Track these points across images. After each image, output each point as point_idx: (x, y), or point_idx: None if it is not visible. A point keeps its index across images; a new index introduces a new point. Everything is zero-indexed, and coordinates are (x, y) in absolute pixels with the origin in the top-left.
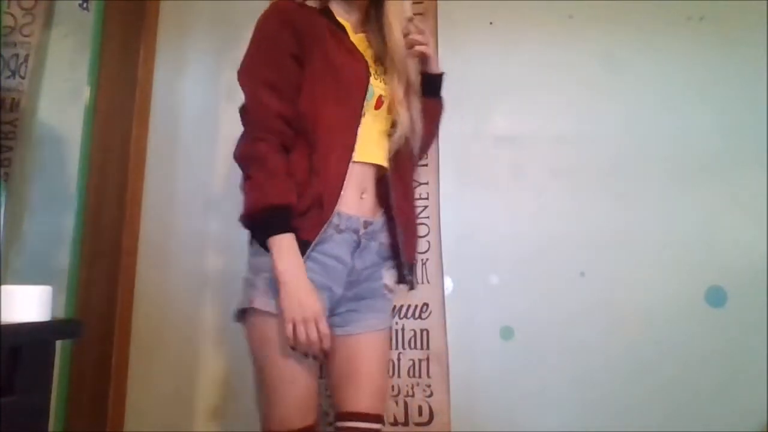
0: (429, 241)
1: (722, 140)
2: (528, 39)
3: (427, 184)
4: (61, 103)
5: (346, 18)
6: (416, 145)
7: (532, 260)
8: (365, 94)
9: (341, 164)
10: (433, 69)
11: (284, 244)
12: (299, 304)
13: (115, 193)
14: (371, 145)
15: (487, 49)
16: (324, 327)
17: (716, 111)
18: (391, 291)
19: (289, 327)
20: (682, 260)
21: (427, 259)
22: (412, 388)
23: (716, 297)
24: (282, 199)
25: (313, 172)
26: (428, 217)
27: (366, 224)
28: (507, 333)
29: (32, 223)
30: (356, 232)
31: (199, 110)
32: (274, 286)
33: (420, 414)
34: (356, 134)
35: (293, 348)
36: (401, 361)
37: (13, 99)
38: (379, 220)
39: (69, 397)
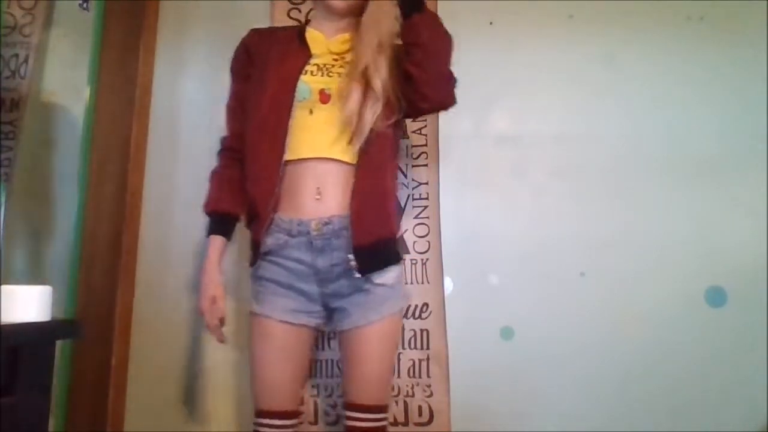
0: (429, 241)
1: (722, 140)
2: (528, 39)
3: (427, 184)
4: (61, 103)
5: (323, 25)
6: (353, 138)
7: (532, 260)
8: (291, 94)
9: (270, 167)
10: None
11: (208, 244)
12: (200, 294)
13: (115, 193)
14: (321, 140)
15: (487, 49)
16: (217, 311)
17: (716, 111)
18: (376, 284)
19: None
20: (682, 260)
21: (427, 259)
22: (412, 388)
23: (716, 297)
24: (212, 206)
25: (248, 184)
26: (428, 217)
27: (319, 225)
28: (507, 333)
29: (32, 223)
30: (306, 234)
31: (199, 110)
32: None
33: (420, 414)
34: (284, 136)
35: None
36: (401, 361)
37: (13, 99)
38: (347, 216)
39: (69, 397)
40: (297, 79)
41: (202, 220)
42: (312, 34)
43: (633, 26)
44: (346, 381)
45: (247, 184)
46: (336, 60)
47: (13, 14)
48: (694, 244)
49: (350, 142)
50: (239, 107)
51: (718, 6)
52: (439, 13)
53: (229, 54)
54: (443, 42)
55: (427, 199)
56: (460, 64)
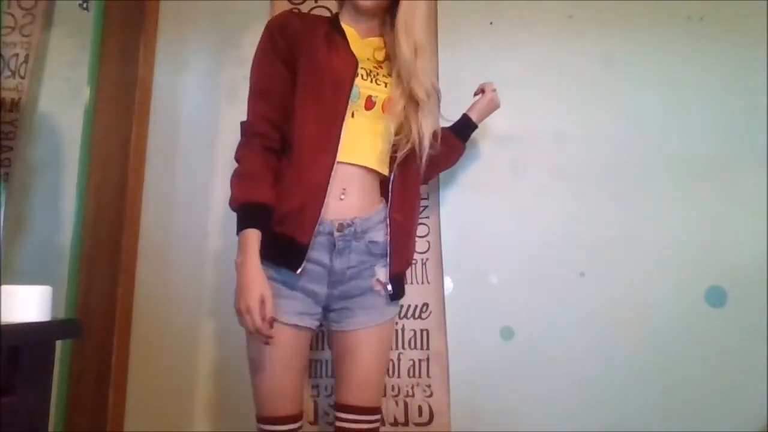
0: (429, 241)
1: (722, 140)
2: (528, 39)
3: (426, 184)
4: (61, 103)
5: (354, 24)
6: (420, 160)
7: (532, 260)
8: (348, 94)
9: (324, 166)
10: (476, 118)
11: (245, 239)
12: (244, 292)
13: (115, 193)
14: (359, 146)
15: (487, 49)
16: (266, 311)
17: (716, 111)
18: (386, 287)
19: (238, 314)
20: (682, 260)
21: (427, 259)
22: (412, 388)
23: (716, 297)
24: (244, 197)
25: (294, 178)
26: (428, 217)
27: (342, 226)
28: (507, 333)
29: (32, 223)
30: (330, 234)
31: (199, 110)
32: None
33: (420, 414)
34: (338, 136)
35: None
36: (401, 361)
37: (13, 99)
38: (367, 218)
39: (69, 397)
40: (353, 80)
41: (201, 220)
42: (348, 31)
43: (633, 26)
44: (342, 382)
45: (292, 180)
46: (376, 67)
47: (13, 14)
48: (694, 244)
49: (395, 153)
50: (274, 90)
51: (718, 6)
52: (439, 13)
53: (229, 54)
54: None
55: (427, 199)
56: (460, 63)
